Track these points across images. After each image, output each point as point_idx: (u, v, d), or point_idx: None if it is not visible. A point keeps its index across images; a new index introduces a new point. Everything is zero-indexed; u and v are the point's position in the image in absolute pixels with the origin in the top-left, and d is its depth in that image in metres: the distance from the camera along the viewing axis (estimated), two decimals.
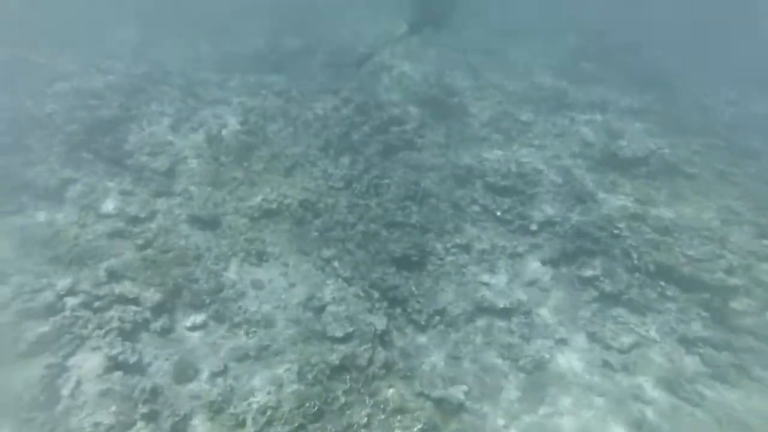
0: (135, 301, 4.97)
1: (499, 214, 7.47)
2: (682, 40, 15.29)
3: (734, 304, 5.86)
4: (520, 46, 13.45)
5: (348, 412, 4.60)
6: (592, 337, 5.89)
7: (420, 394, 4.97)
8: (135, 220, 6.00)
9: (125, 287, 5.07)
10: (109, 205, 6.13)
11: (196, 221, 6.36)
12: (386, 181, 7.50)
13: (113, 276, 5.25)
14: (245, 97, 9.26)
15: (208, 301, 5.38)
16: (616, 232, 6.94)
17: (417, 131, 8.49)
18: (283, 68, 11.00)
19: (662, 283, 6.10)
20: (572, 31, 14.65)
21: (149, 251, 5.56)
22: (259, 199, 6.96)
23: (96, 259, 5.38)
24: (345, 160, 7.86)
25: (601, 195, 7.68)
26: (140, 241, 5.67)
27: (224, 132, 8.03)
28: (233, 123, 8.32)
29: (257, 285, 5.92)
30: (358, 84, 10.00)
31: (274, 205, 6.92)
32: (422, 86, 9.95)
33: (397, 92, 9.93)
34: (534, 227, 7.31)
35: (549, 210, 7.53)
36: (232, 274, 5.84)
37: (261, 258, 6.25)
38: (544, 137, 9.14)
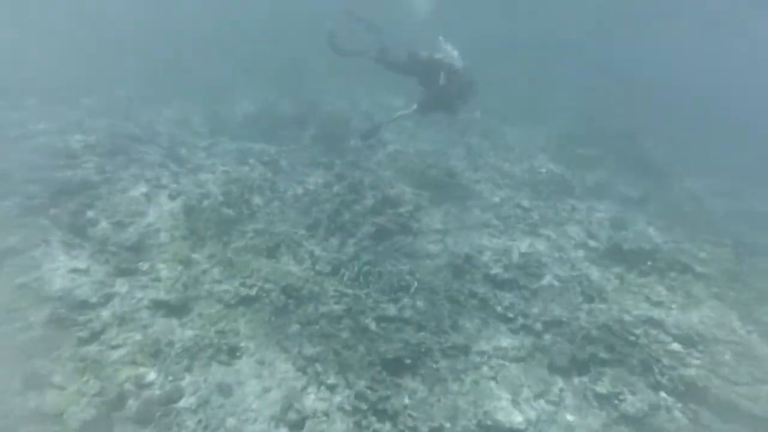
0: (57, 420, 3.95)
1: (499, 309, 6.78)
2: (675, 126, 15.67)
3: None
4: (517, 129, 13.48)
5: None
6: None
7: None
8: (83, 306, 5.07)
9: (46, 400, 4.06)
10: (53, 285, 5.22)
11: (160, 307, 5.48)
12: (378, 268, 6.80)
13: (33, 384, 4.25)
14: (231, 165, 8.72)
15: (158, 414, 4.40)
16: (632, 339, 6.26)
17: (413, 214, 7.96)
18: (274, 137, 10.63)
19: (694, 407, 5.33)
20: (565, 116, 14.89)
21: (92, 347, 4.61)
22: (236, 282, 6.16)
23: (15, 360, 4.39)
24: (334, 242, 7.20)
25: (610, 293, 7.08)
26: (84, 334, 4.71)
27: (205, 203, 7.36)
28: (216, 193, 7.68)
29: (224, 390, 4.97)
30: (352, 159, 9.61)
31: (254, 291, 6.12)
32: (419, 165, 9.59)
33: (392, 170, 9.53)
34: (539, 327, 6.62)
35: (555, 308, 6.86)
36: (196, 375, 4.90)
37: (233, 354, 5.34)
38: (545, 225, 8.69)
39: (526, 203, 9.20)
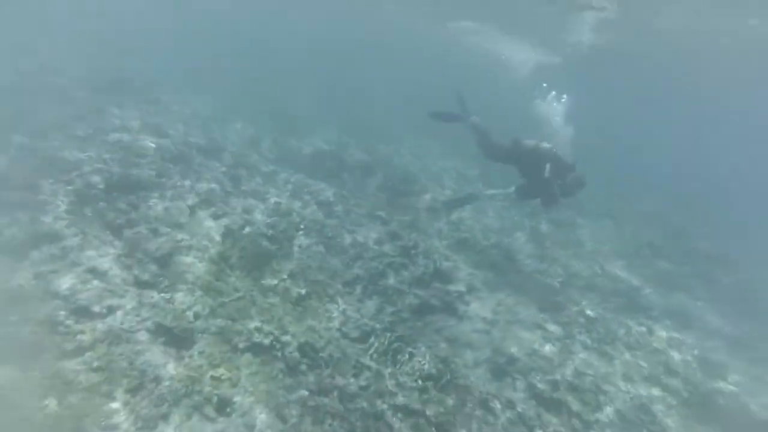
0: None
1: None
2: None
3: None
4: (592, 225, 12.34)
5: None
6: None
7: None
8: (83, 313, 4.60)
9: None
10: (64, 283, 4.84)
11: (162, 333, 4.93)
12: (411, 348, 5.93)
13: None
14: (285, 197, 8.38)
15: None
16: None
17: (462, 295, 7.10)
18: (338, 179, 10.31)
19: None
20: (650, 223, 13.55)
21: (71, 364, 4.05)
22: (252, 325, 5.54)
23: None
24: (371, 305, 6.45)
25: None
26: (69, 346, 4.19)
27: (246, 230, 6.96)
28: (260, 222, 7.29)
29: None
30: (412, 219, 8.99)
31: (268, 339, 5.45)
32: (481, 243, 8.78)
33: (451, 241, 8.77)
34: None
35: None
36: (170, 427, 4.19)
37: (221, 410, 4.60)
38: (611, 343, 7.44)
39: (591, 312, 8.01)
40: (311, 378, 5.30)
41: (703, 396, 6.58)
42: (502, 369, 6.26)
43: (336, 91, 19.15)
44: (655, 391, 6.67)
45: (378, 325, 6.13)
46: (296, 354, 5.44)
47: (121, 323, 4.65)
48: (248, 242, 6.73)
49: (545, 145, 7.25)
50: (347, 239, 7.62)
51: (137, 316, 4.86)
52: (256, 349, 5.34)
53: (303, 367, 5.40)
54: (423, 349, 6.05)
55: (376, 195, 10.16)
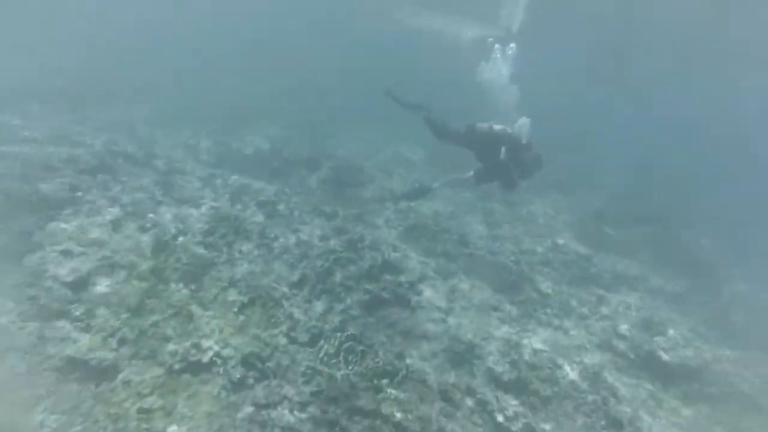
0: None
1: (500, 419, 5.53)
2: (725, 214, 14.32)
3: None
4: (543, 200, 12.44)
5: None
6: None
7: None
8: None
9: None
10: None
11: (78, 367, 4.43)
12: (363, 346, 5.68)
13: None
14: (223, 201, 7.89)
15: None
16: None
17: (414, 285, 6.91)
18: (280, 176, 9.89)
19: None
20: (596, 193, 13.85)
21: None
22: (188, 342, 5.12)
23: None
24: (319, 306, 6.14)
25: (645, 420, 5.76)
26: None
27: (180, 240, 6.47)
28: (196, 231, 6.80)
29: None
30: (358, 211, 8.71)
31: (208, 356, 5.07)
32: (431, 228, 8.62)
33: (400, 229, 8.57)
34: None
35: (569, 429, 5.60)
36: None
37: None
38: (566, 317, 7.51)
39: (545, 287, 8.04)
40: (258, 391, 4.97)
41: (648, 353, 6.75)
42: (460, 357, 6.13)
43: (280, 86, 18.44)
44: (609, 358, 6.76)
45: (327, 327, 5.85)
46: (241, 368, 5.09)
47: (21, 362, 4.11)
48: (183, 253, 6.25)
49: (497, 127, 7.02)
50: (291, 239, 7.25)
51: (39, 354, 4.31)
52: (194, 368, 4.94)
53: (249, 380, 5.06)
54: (376, 346, 5.82)
55: (321, 189, 9.81)
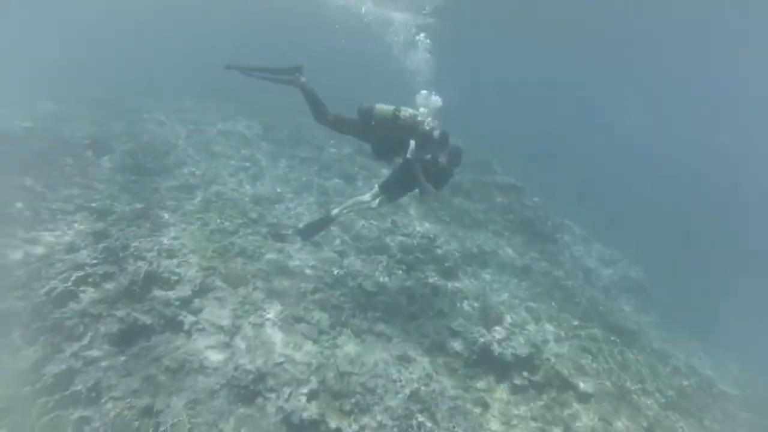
0: None
1: None
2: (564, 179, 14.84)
3: None
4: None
5: None
6: None
7: None
8: None
9: None
10: None
11: None
12: (107, 396, 4.01)
13: None
14: None
15: None
16: None
17: (189, 303, 5.29)
18: (49, 164, 7.50)
19: None
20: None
21: None
22: None
23: None
24: (45, 347, 4.29)
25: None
26: None
27: None
28: None
29: None
30: (144, 207, 6.77)
31: None
32: (235, 221, 7.02)
33: (191, 226, 6.79)
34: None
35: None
36: None
37: None
38: (398, 323, 6.47)
39: (370, 285, 6.79)
40: None
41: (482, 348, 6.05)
42: (248, 396, 4.71)
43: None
44: (441, 361, 5.90)
45: (39, 386, 4.06)
46: None
47: None
48: None
49: (406, 112, 5.34)
50: (18, 254, 5.21)
51: None
52: None
53: None
54: (124, 394, 4.21)
55: (109, 179, 7.66)
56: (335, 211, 6.31)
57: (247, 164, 10.03)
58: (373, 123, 5.39)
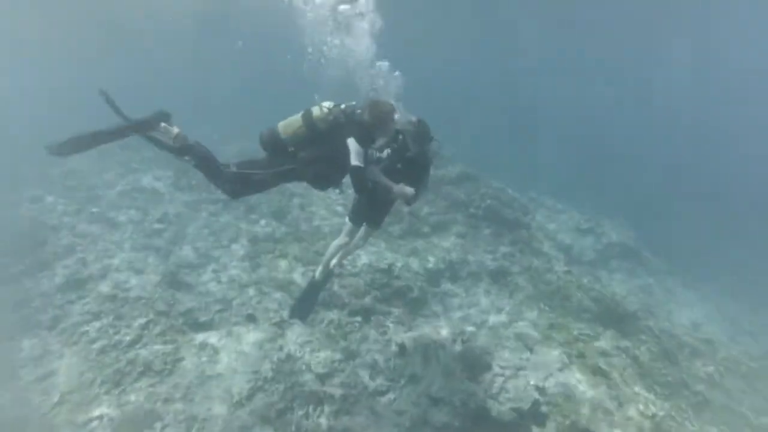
0: None
1: None
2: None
3: None
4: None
5: None
6: None
7: None
8: None
9: None
10: None
11: None
12: None
13: None
14: None
15: None
16: None
17: None
18: None
19: None
20: None
21: None
22: None
23: None
24: None
25: None
26: None
27: None
28: None
29: None
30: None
31: None
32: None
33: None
34: None
35: None
36: None
37: None
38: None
39: (320, 366, 5.44)
40: None
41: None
42: None
43: None
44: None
45: None
46: None
47: None
48: None
49: (321, 108, 3.62)
50: None
51: None
52: None
53: None
54: None
55: None
56: (319, 271, 5.07)
57: (160, 227, 8.40)
58: (291, 149, 3.71)
